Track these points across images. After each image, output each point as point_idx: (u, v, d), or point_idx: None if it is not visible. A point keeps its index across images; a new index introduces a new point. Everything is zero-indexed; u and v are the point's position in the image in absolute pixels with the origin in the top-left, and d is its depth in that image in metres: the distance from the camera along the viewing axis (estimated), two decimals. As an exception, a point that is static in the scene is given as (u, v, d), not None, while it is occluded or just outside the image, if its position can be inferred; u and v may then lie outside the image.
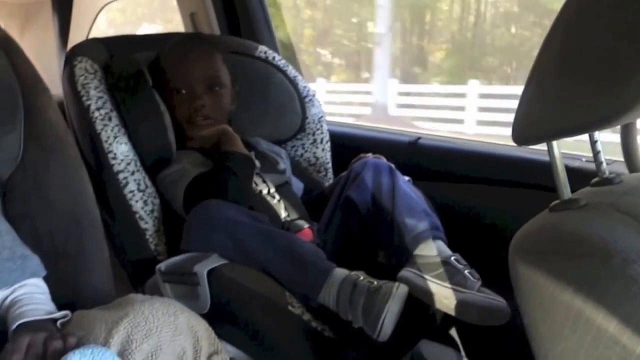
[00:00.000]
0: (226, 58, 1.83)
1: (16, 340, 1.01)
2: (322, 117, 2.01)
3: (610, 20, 0.71)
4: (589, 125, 0.75)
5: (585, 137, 0.86)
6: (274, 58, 2.01)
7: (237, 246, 1.40)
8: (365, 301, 1.28)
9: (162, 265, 1.40)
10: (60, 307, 1.19)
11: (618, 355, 0.71)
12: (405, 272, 1.43)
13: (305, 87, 2.00)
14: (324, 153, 2.01)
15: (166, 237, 1.63)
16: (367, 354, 1.35)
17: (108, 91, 1.65)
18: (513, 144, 0.91)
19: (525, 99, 0.86)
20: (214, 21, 2.29)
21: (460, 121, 8.52)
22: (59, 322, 1.12)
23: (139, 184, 1.59)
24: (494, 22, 10.81)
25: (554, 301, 0.78)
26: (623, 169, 1.04)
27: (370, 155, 1.76)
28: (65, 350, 0.96)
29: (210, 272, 1.35)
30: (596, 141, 0.90)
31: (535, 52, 0.85)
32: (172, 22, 2.58)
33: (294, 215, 1.65)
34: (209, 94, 1.73)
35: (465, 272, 1.40)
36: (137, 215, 1.58)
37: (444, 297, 1.36)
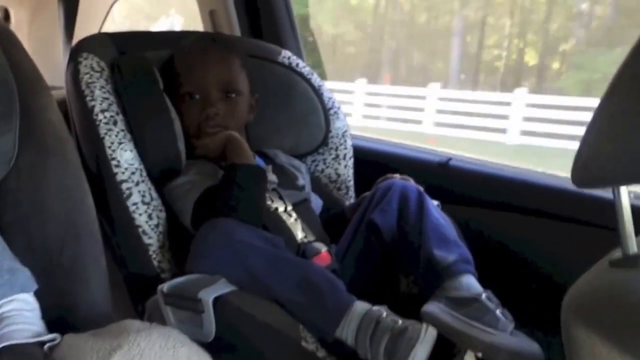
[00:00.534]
0: (246, 63, 1.76)
1: None
2: (346, 131, 1.94)
3: None
4: None
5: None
6: (297, 65, 1.93)
7: (248, 272, 1.31)
8: (388, 343, 1.20)
9: (164, 286, 1.32)
10: (52, 324, 1.17)
11: None
12: (431, 307, 1.35)
13: (330, 98, 1.93)
14: (347, 170, 1.94)
15: (171, 254, 1.56)
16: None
17: (115, 92, 1.57)
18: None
19: (591, 136, 0.79)
20: (234, 20, 2.23)
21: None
22: (46, 346, 1.08)
23: (143, 196, 1.52)
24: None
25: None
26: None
27: (397, 176, 1.68)
28: None
29: (216, 299, 1.27)
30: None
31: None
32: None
33: (311, 237, 1.58)
34: (223, 101, 1.66)
35: (497, 311, 1.31)
36: (141, 230, 1.50)
37: (473, 337, 1.27)
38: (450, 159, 1.94)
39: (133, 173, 1.52)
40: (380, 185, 1.60)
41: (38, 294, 1.20)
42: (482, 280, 1.41)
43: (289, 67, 1.92)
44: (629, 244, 0.79)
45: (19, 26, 2.57)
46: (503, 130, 8.66)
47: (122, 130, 1.53)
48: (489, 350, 1.25)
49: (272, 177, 1.63)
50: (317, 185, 1.85)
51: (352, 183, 1.95)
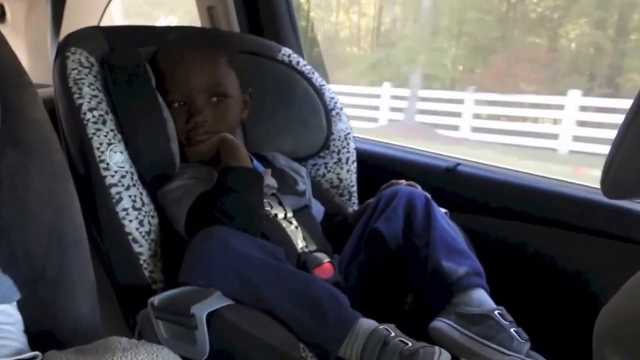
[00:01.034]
0: (241, 59, 1.70)
1: None
2: (349, 133, 1.89)
3: None
4: None
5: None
6: (298, 63, 1.88)
7: (244, 285, 1.26)
8: None
9: (155, 299, 1.26)
10: (36, 338, 1.14)
11: None
12: (440, 323, 1.31)
13: (332, 98, 1.87)
14: (349, 174, 1.89)
15: (164, 263, 1.50)
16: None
17: (104, 89, 1.52)
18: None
19: (622, 145, 0.78)
20: (233, 17, 2.18)
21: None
22: None
23: (134, 201, 1.46)
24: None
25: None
26: None
27: (403, 182, 1.64)
28: None
29: (210, 314, 1.21)
30: None
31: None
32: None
33: (312, 246, 1.53)
34: (211, 106, 1.59)
35: (511, 330, 1.27)
36: (131, 237, 1.45)
37: (485, 357, 1.24)
38: (458, 164, 1.91)
39: (123, 176, 1.46)
40: (385, 191, 1.56)
41: (21, 306, 1.15)
42: (493, 296, 1.37)
43: (289, 65, 1.87)
44: None
45: (15, 22, 2.54)
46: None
47: (112, 130, 1.48)
48: None
49: (271, 181, 1.58)
50: (318, 191, 1.80)
51: (355, 189, 1.91)
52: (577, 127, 7.38)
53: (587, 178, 1.67)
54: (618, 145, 0.79)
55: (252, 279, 1.25)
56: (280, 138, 1.82)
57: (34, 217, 1.21)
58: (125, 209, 1.45)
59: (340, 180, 1.88)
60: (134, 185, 1.47)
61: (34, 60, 1.38)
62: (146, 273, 1.47)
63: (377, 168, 1.96)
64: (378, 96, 9.10)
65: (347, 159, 1.89)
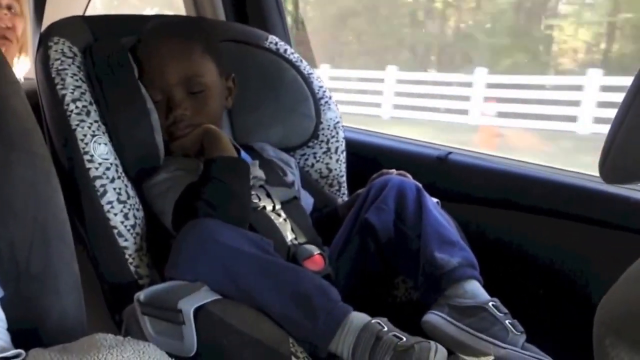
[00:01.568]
0: (227, 48, 1.71)
1: None
2: (338, 122, 1.88)
3: None
4: None
5: None
6: (285, 51, 1.87)
7: (232, 279, 1.25)
8: None
9: (141, 295, 1.25)
10: (20, 336, 1.13)
11: None
12: (433, 316, 1.30)
13: (320, 87, 1.86)
14: (339, 164, 1.88)
15: (150, 258, 1.49)
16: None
17: (88, 80, 1.50)
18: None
19: (620, 129, 0.77)
20: (218, 5, 2.17)
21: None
22: None
23: (119, 194, 1.44)
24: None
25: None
26: None
27: (393, 171, 1.63)
28: None
29: (198, 309, 1.21)
30: None
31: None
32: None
33: (302, 238, 1.52)
34: (189, 99, 1.58)
35: (506, 322, 1.26)
36: (116, 231, 1.43)
37: (479, 350, 1.23)
38: (450, 152, 1.90)
39: (108, 168, 1.45)
40: (376, 181, 1.55)
41: (4, 303, 1.14)
42: (486, 287, 1.36)
43: (276, 53, 1.85)
44: None
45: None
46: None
47: (96, 122, 1.47)
48: None
49: (258, 172, 1.57)
50: (308, 182, 1.79)
51: (344, 179, 1.90)
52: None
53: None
54: (617, 128, 0.78)
55: (240, 273, 1.25)
56: (268, 128, 1.81)
57: (16, 211, 1.21)
58: (109, 202, 1.43)
59: (330, 170, 1.87)
60: (118, 177, 1.46)
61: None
62: (132, 268, 1.45)
63: (367, 158, 1.95)
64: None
65: (337, 148, 1.88)
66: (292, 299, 1.22)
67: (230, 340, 1.21)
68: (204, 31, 1.70)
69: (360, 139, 2.03)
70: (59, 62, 1.49)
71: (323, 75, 1.85)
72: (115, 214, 1.44)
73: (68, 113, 1.44)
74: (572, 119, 7.44)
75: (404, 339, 1.14)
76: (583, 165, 1.71)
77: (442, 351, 1.13)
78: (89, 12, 2.55)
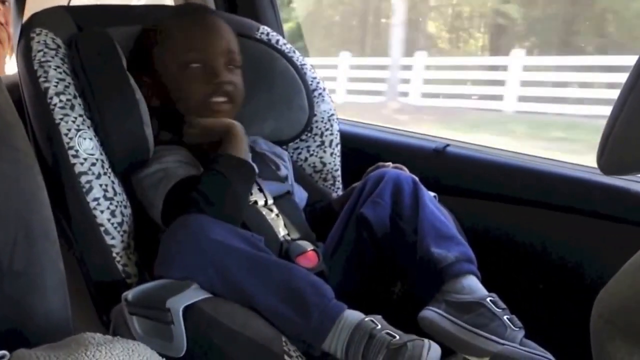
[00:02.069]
0: None
1: None
2: (332, 115, 1.87)
3: None
4: None
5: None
6: (277, 41, 1.86)
7: (222, 276, 1.24)
8: None
9: (129, 294, 1.24)
10: (3, 337, 1.11)
11: None
12: (429, 313, 1.30)
13: (314, 78, 1.86)
14: (333, 158, 1.88)
15: (138, 256, 1.48)
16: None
17: (72, 73, 1.49)
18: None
19: (619, 119, 0.77)
20: (208, -7, 2.15)
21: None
22: None
23: (105, 190, 1.43)
24: None
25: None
26: None
27: (389, 164, 1.63)
28: None
29: (187, 308, 1.20)
30: None
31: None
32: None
33: (295, 234, 1.51)
34: (228, 72, 1.58)
35: (504, 317, 1.26)
36: (102, 229, 1.42)
37: (477, 347, 1.23)
38: (447, 145, 1.90)
39: (93, 164, 1.43)
40: (371, 175, 1.55)
41: (-12, 303, 1.13)
42: (484, 282, 1.36)
43: (268, 44, 1.85)
44: None
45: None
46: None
47: (81, 116, 1.45)
48: None
49: (256, 170, 1.55)
50: (301, 176, 1.79)
51: (339, 173, 1.90)
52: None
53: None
54: (614, 119, 0.78)
55: (230, 270, 1.24)
56: (260, 121, 1.80)
57: (-1, 208, 1.20)
58: (96, 199, 1.42)
59: (324, 164, 1.87)
60: (104, 173, 1.45)
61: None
62: (119, 267, 1.44)
63: (362, 151, 1.94)
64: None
65: (331, 141, 1.88)
66: (284, 296, 1.22)
67: (221, 339, 1.20)
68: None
69: (355, 132, 2.03)
70: (41, 54, 1.47)
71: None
72: (102, 211, 1.42)
73: (51, 107, 1.43)
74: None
75: (397, 336, 1.14)
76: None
77: (436, 349, 1.13)
78: (74, 3, 2.53)
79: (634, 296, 0.75)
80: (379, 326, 1.17)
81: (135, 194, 1.51)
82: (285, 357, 1.18)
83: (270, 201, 1.53)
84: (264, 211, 1.51)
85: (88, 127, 1.45)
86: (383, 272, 1.51)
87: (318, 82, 1.86)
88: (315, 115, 1.85)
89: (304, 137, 1.86)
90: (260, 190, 1.54)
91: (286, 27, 2.35)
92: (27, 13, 1.76)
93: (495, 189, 1.76)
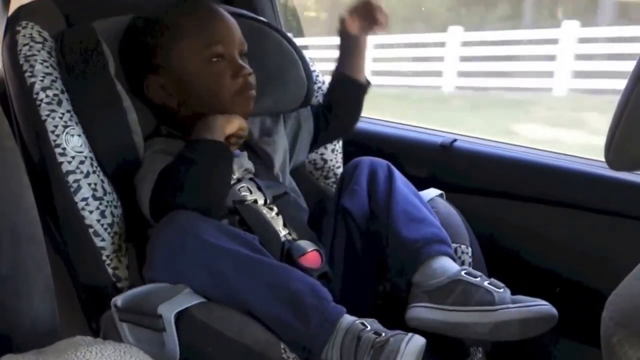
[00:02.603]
0: None
1: None
2: None
3: None
4: None
5: None
6: (270, 23, 1.85)
7: (216, 279, 1.23)
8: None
9: (118, 299, 1.23)
10: None
11: None
12: (415, 310, 1.34)
13: (313, 70, 1.83)
14: (334, 155, 1.87)
15: (129, 259, 1.47)
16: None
17: (59, 67, 1.47)
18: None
19: (625, 112, 0.79)
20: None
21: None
22: None
23: (94, 190, 1.41)
24: None
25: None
26: None
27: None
28: None
29: (179, 314, 1.18)
30: None
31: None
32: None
33: (295, 234, 1.49)
34: (244, 63, 1.58)
35: (485, 284, 1.29)
36: (92, 230, 1.41)
37: (473, 324, 1.26)
38: (455, 140, 1.89)
39: (82, 162, 1.42)
40: (348, 165, 1.58)
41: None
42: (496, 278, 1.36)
43: (259, 21, 1.83)
44: None
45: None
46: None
47: (68, 112, 1.44)
48: (498, 331, 1.25)
49: (248, 164, 1.55)
50: (302, 175, 1.80)
51: (341, 170, 1.88)
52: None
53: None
54: (620, 113, 0.79)
55: (224, 272, 1.22)
56: (257, 98, 1.73)
57: (-17, 209, 1.18)
58: (84, 199, 1.40)
59: (325, 161, 1.86)
60: (93, 172, 1.43)
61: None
62: (109, 270, 1.43)
63: (365, 147, 1.92)
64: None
65: None
66: (281, 299, 1.21)
67: (215, 346, 1.20)
68: None
69: (357, 127, 2.01)
70: (27, 47, 1.46)
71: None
72: (91, 212, 1.41)
73: (38, 102, 1.41)
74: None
75: (383, 334, 1.16)
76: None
77: (417, 340, 1.15)
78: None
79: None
80: (368, 327, 1.18)
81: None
82: None
83: (269, 200, 1.52)
84: (264, 210, 1.50)
85: (76, 123, 1.44)
86: (375, 268, 1.53)
87: (317, 75, 1.85)
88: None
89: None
90: (259, 188, 1.53)
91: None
92: (13, 5, 1.74)
93: (506, 186, 1.75)
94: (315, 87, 1.83)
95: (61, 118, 1.41)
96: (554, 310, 1.25)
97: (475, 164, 1.82)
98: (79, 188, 1.40)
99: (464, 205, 1.57)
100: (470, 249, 1.51)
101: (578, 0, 8.20)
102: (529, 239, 1.68)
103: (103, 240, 1.42)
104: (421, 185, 1.56)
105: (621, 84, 0.80)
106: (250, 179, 1.54)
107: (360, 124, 2.01)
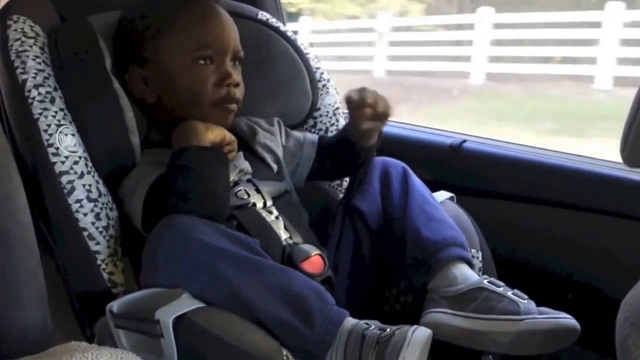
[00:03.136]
0: None
1: None
2: (338, 108, 1.86)
3: None
4: None
5: None
6: (278, 27, 1.85)
7: (216, 282, 1.22)
8: (377, 355, 1.15)
9: (114, 305, 1.22)
10: None
11: None
12: (434, 315, 1.33)
13: (317, 68, 1.84)
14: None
15: (125, 264, 1.46)
16: None
17: (52, 63, 1.46)
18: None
19: None
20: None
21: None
22: None
23: (89, 191, 1.40)
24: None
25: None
26: None
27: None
28: None
29: (178, 319, 1.17)
30: None
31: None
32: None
33: (297, 237, 1.48)
34: (234, 70, 1.56)
35: (509, 294, 1.29)
36: (86, 234, 1.40)
37: (496, 333, 1.26)
38: (464, 140, 1.89)
39: (76, 162, 1.41)
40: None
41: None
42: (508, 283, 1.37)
43: (266, 24, 1.83)
44: None
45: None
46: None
47: (62, 110, 1.43)
48: (518, 343, 1.24)
49: (245, 165, 1.55)
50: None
51: (347, 172, 1.87)
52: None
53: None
54: (636, 110, 0.81)
55: (224, 276, 1.21)
56: (259, 108, 1.76)
57: (-30, 211, 1.18)
58: (78, 201, 1.39)
59: None
60: (88, 172, 1.42)
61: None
62: (105, 275, 1.42)
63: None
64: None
65: None
66: (284, 302, 1.21)
67: (215, 352, 1.18)
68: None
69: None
70: (19, 43, 1.45)
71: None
72: (85, 214, 1.40)
73: (29, 100, 1.40)
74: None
75: (388, 329, 1.17)
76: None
77: (423, 330, 1.16)
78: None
79: None
80: (372, 327, 1.19)
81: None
82: None
83: (269, 202, 1.51)
84: (264, 213, 1.49)
85: (70, 122, 1.43)
86: (385, 270, 1.53)
87: (322, 73, 1.84)
88: (319, 108, 1.83)
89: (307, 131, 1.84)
90: (258, 191, 1.52)
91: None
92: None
93: (518, 188, 1.76)
94: (320, 84, 1.83)
95: (54, 116, 1.41)
96: (577, 325, 1.24)
97: (485, 166, 1.83)
98: (72, 189, 1.39)
99: (473, 208, 1.57)
100: (480, 253, 1.51)
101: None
102: (541, 243, 1.68)
103: (98, 244, 1.41)
104: (430, 187, 1.55)
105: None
106: (248, 181, 1.53)
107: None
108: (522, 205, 1.72)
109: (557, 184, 1.69)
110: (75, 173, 1.40)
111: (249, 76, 1.68)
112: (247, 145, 1.62)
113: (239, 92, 1.55)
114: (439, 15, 9.14)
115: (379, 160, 1.54)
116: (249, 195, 1.49)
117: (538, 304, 1.30)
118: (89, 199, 1.40)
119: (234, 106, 1.55)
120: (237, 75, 1.56)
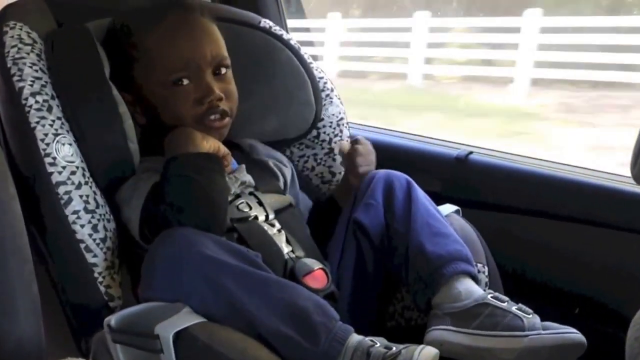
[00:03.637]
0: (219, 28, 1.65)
1: None
2: (342, 119, 1.85)
3: None
4: None
5: None
6: (281, 35, 1.84)
7: (217, 297, 1.22)
8: None
9: (112, 319, 1.22)
10: None
11: None
12: (437, 332, 1.32)
13: (321, 77, 1.83)
14: (343, 167, 1.82)
15: (123, 277, 1.45)
16: None
17: (49, 71, 1.46)
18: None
19: None
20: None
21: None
22: None
23: (86, 202, 1.40)
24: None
25: None
26: None
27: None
28: None
29: (178, 334, 1.17)
30: None
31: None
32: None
33: (299, 251, 1.48)
34: (218, 83, 1.54)
35: (513, 309, 1.28)
36: (83, 245, 1.39)
37: (501, 350, 1.25)
38: (470, 152, 1.89)
39: (73, 172, 1.40)
40: (364, 179, 1.56)
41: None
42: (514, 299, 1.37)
43: (269, 32, 1.82)
44: None
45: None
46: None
47: (59, 119, 1.43)
48: (527, 357, 1.24)
49: (247, 177, 1.55)
50: (307, 188, 1.79)
51: (350, 184, 1.86)
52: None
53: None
54: None
55: (226, 290, 1.22)
56: (261, 119, 1.77)
57: (-35, 223, 1.18)
58: (75, 212, 1.39)
59: (333, 174, 1.85)
60: (85, 183, 1.42)
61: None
62: (102, 288, 1.41)
63: (376, 159, 1.92)
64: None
65: None
66: (288, 317, 1.21)
67: (216, 369, 1.19)
68: (207, 8, 1.67)
69: (368, 138, 2.01)
70: (15, 49, 1.45)
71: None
72: (82, 226, 1.39)
73: (26, 109, 1.40)
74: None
75: (394, 348, 1.16)
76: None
77: (429, 351, 1.15)
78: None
79: None
80: (377, 344, 1.18)
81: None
82: None
83: (271, 215, 1.51)
84: (266, 227, 1.49)
85: (67, 131, 1.43)
86: (387, 284, 1.53)
87: (326, 82, 1.84)
88: (322, 119, 1.83)
89: (310, 143, 1.84)
90: (260, 203, 1.52)
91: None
92: (0, 4, 1.74)
93: (524, 202, 1.75)
94: (323, 94, 1.83)
95: (51, 125, 1.40)
96: (584, 340, 1.24)
97: (492, 178, 1.83)
98: (69, 200, 1.39)
99: (480, 221, 1.57)
100: (486, 268, 1.50)
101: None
102: (548, 257, 1.68)
103: (95, 256, 1.40)
104: (435, 200, 1.55)
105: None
106: (250, 194, 1.53)
107: (370, 135, 2.02)
108: (529, 219, 1.72)
109: (565, 198, 1.69)
110: (73, 183, 1.40)
111: (250, 85, 1.69)
112: (249, 157, 1.62)
113: (226, 104, 1.55)
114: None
115: (383, 172, 1.53)
116: (250, 208, 1.49)
117: (545, 319, 1.30)
118: (87, 210, 1.40)
119: (215, 123, 1.54)
120: (223, 85, 1.56)
